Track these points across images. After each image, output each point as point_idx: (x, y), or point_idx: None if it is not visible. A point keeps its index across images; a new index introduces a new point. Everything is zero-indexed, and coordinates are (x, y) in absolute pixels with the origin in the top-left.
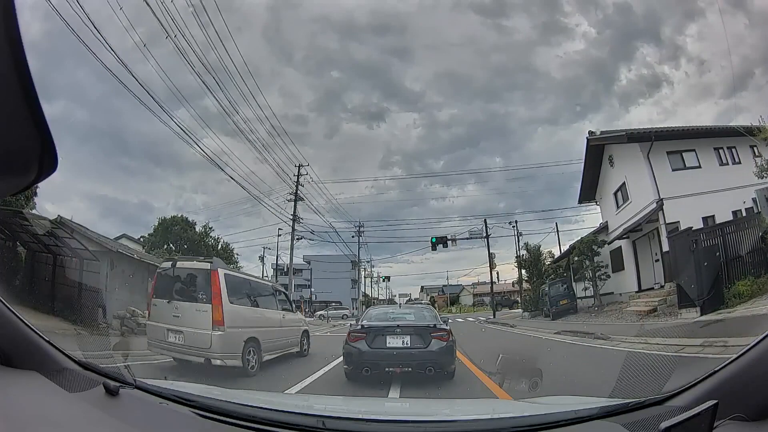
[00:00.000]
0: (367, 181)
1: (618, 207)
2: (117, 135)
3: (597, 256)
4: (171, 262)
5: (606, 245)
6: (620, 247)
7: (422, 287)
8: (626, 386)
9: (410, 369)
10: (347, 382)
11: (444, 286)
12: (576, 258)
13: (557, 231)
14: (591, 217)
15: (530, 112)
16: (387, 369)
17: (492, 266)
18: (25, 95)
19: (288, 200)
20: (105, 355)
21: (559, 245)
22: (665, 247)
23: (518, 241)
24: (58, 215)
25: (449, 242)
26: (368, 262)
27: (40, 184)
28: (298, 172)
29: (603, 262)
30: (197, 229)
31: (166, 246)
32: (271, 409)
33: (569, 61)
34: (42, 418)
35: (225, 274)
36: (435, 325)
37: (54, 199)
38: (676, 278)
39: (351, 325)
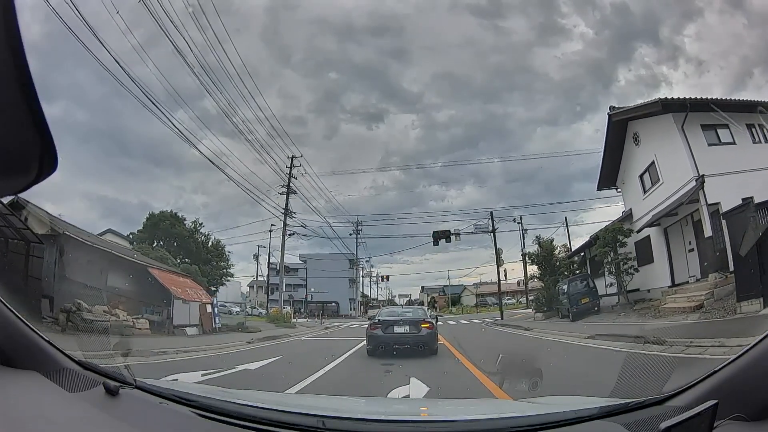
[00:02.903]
0: (366, 173)
1: (645, 191)
2: (117, 135)
3: (623, 247)
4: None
5: (633, 234)
6: (648, 236)
7: (422, 287)
8: (626, 386)
9: (408, 346)
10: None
11: (445, 286)
12: (598, 250)
13: (566, 225)
14: (592, 216)
15: (529, 112)
16: (394, 346)
17: (499, 263)
18: (25, 95)
19: (281, 193)
20: (104, 356)
21: (569, 240)
22: (707, 232)
23: (523, 237)
24: (15, 196)
25: (453, 236)
26: (367, 260)
27: (39, 184)
28: (291, 163)
29: (630, 254)
30: (187, 225)
31: (155, 243)
32: (271, 409)
33: (567, 62)
34: (42, 418)
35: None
36: (424, 319)
37: (54, 199)
38: (727, 266)
39: (370, 318)
